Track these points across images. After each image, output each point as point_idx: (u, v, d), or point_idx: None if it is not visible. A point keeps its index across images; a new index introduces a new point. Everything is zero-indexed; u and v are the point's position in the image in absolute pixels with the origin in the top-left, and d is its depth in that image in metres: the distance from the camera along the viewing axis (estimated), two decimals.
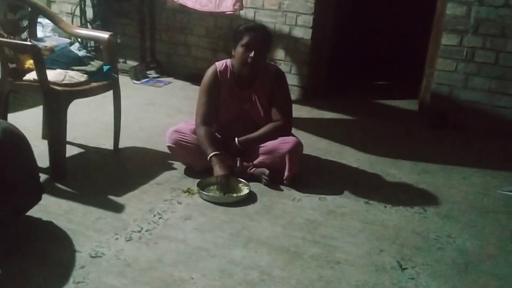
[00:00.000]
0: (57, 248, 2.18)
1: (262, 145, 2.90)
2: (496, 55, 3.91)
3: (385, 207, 2.72)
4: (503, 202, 2.88)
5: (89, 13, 5.09)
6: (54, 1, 5.51)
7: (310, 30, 4.43)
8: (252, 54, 2.78)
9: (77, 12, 5.10)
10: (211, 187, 2.76)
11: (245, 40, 2.79)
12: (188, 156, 2.90)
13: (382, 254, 2.29)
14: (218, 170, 2.70)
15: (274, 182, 2.86)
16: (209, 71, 2.95)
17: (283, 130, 2.92)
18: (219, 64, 2.96)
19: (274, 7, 4.51)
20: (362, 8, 6.16)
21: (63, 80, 2.71)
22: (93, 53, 4.69)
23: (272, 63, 3.08)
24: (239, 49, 2.82)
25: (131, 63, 5.08)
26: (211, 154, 2.74)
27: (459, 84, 4.07)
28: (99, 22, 5.00)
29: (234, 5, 4.01)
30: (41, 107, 3.14)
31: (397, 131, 4.00)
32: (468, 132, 3.99)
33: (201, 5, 4.18)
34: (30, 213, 2.30)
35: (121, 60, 5.13)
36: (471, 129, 4.02)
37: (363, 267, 2.19)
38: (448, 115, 4.10)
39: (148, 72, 5.07)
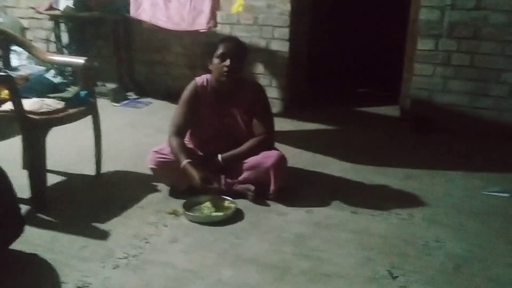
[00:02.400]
0: (42, 281, 2.12)
1: (245, 161, 2.89)
2: (471, 57, 3.96)
3: (372, 215, 2.72)
4: (488, 203, 2.90)
5: (64, 37, 5.07)
6: (28, 28, 5.47)
7: (287, 43, 4.45)
8: (227, 62, 2.79)
9: (52, 37, 5.07)
10: (197, 207, 2.73)
11: (220, 50, 2.82)
12: (171, 176, 2.87)
13: (372, 264, 2.28)
14: (194, 173, 2.68)
15: (260, 197, 2.85)
16: (189, 86, 2.96)
17: (266, 144, 2.92)
18: (199, 80, 2.97)
19: (250, 22, 4.52)
20: (337, 17, 6.21)
21: (39, 108, 2.68)
22: (71, 78, 4.68)
23: (251, 78, 3.07)
24: (215, 61, 2.84)
25: (110, 85, 5.04)
26: (185, 162, 2.72)
27: (438, 88, 4.11)
28: (75, 47, 4.97)
29: (208, 22, 4.02)
30: (19, 136, 3.09)
31: (379, 138, 4.01)
32: (450, 135, 4.02)
33: (173, 24, 4.18)
34: (13, 246, 2.24)
35: (99, 83, 5.10)
36: (453, 132, 4.05)
37: (353, 278, 2.17)
38: (429, 119, 4.13)
39: (127, 93, 5.04)
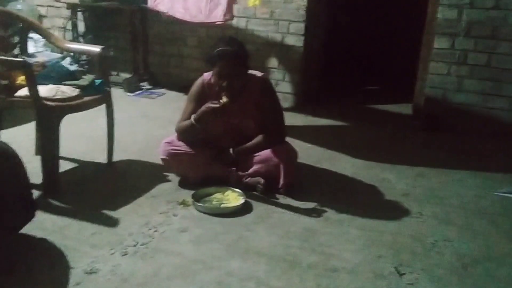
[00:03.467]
0: (51, 265, 2.15)
1: (256, 154, 2.89)
2: (488, 57, 3.92)
3: (382, 212, 2.71)
4: (499, 203, 2.88)
5: (81, 26, 5.10)
6: (46, 16, 5.52)
7: (302, 38, 4.44)
8: (225, 83, 2.74)
9: (69, 26, 5.11)
10: (207, 198, 2.75)
11: (216, 69, 2.76)
12: (182, 167, 2.88)
13: (380, 261, 2.27)
14: (202, 109, 2.73)
15: (270, 191, 2.85)
16: (197, 82, 2.93)
17: (277, 140, 2.90)
18: (207, 75, 2.92)
19: (266, 16, 4.52)
20: (353, 13, 6.18)
21: (55, 95, 2.70)
22: (86, 66, 4.71)
23: (258, 72, 2.95)
24: (214, 75, 2.80)
25: (124, 75, 5.08)
26: (192, 117, 2.77)
27: (452, 87, 4.08)
28: (91, 36, 5.01)
29: (225, 15, 4.02)
30: (34, 122, 3.12)
31: (391, 136, 4.00)
32: (462, 134, 3.99)
33: (191, 16, 4.18)
34: (24, 230, 2.27)
35: (114, 73, 5.14)
36: (466, 131, 4.02)
37: (361, 274, 2.17)
38: (442, 118, 4.10)
39: (141, 84, 5.07)
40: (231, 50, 2.77)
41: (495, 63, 3.91)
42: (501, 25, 3.82)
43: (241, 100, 2.87)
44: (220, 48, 2.77)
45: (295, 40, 4.48)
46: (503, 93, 3.95)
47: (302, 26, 4.41)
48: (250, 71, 2.90)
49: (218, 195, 2.77)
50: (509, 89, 3.92)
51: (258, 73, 2.95)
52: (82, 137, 3.61)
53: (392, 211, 2.73)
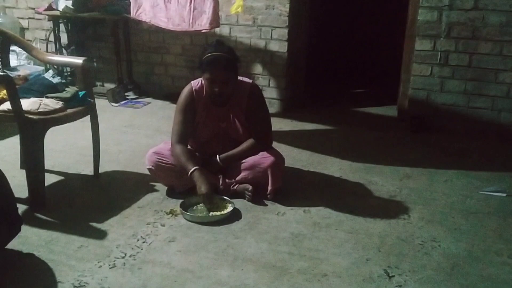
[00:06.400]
0: (38, 281, 2.13)
1: (243, 161, 2.89)
2: (469, 57, 3.96)
3: (369, 215, 2.72)
4: (485, 202, 2.91)
5: (64, 38, 5.07)
6: (27, 28, 5.48)
7: (286, 43, 4.46)
8: (216, 88, 2.76)
9: (51, 38, 5.08)
10: (194, 207, 2.74)
11: (207, 74, 2.76)
12: (169, 177, 2.87)
13: (369, 263, 2.28)
14: (200, 188, 2.66)
15: (258, 197, 2.85)
16: (185, 90, 2.93)
17: (263, 145, 2.91)
18: (195, 83, 2.93)
19: (249, 22, 4.53)
20: (335, 18, 6.22)
21: (38, 108, 2.68)
22: (70, 78, 4.69)
23: (247, 78, 2.99)
24: (205, 81, 2.82)
25: (109, 85, 5.06)
26: (192, 169, 2.71)
27: (435, 88, 4.11)
28: (74, 47, 4.98)
29: (211, 23, 4.01)
30: (18, 136, 3.09)
31: (377, 138, 4.02)
32: (447, 134, 4.03)
33: (174, 25, 4.17)
34: (10, 246, 2.25)
35: (98, 83, 5.12)
36: (450, 131, 4.06)
37: (350, 278, 2.18)
38: (427, 119, 4.14)
39: (126, 93, 5.04)
40: (222, 55, 2.77)
41: (477, 63, 3.96)
42: (480, 26, 3.87)
43: (229, 105, 2.89)
44: (210, 54, 2.77)
45: (278, 46, 4.49)
46: (486, 93, 3.99)
47: (285, 32, 4.43)
48: (239, 78, 2.91)
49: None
50: (491, 88, 3.97)
51: (247, 80, 2.97)
52: (67, 149, 3.58)
53: (380, 213, 2.74)
